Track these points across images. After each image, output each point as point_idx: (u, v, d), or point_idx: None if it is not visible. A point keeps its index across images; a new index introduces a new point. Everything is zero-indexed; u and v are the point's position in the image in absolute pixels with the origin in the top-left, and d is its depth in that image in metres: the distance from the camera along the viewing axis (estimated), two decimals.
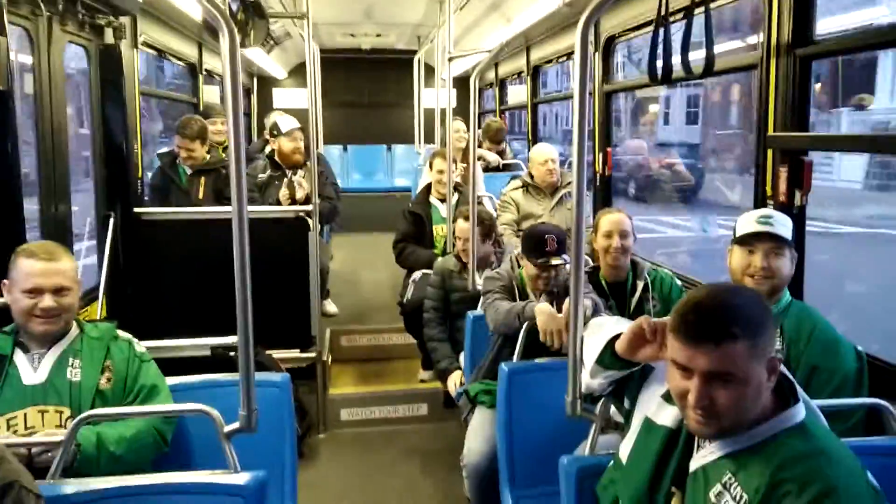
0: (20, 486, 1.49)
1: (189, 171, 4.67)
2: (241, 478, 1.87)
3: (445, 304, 3.87)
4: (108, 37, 3.80)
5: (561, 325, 2.67)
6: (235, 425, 1.88)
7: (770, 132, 2.71)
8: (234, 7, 3.69)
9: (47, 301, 2.13)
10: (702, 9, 2.19)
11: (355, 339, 5.18)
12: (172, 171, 4.66)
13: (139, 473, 1.93)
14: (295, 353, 4.07)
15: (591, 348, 1.85)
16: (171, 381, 2.37)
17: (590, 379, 1.86)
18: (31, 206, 3.15)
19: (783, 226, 2.32)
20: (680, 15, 2.39)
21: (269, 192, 4.75)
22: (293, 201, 4.54)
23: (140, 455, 2.16)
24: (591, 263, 3.26)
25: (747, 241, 2.32)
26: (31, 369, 2.16)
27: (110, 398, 2.20)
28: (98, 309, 3.60)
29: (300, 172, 4.75)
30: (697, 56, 2.15)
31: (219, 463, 1.93)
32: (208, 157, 4.75)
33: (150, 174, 4.79)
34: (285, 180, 4.68)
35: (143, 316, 3.68)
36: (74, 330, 2.26)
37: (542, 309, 2.74)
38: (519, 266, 3.17)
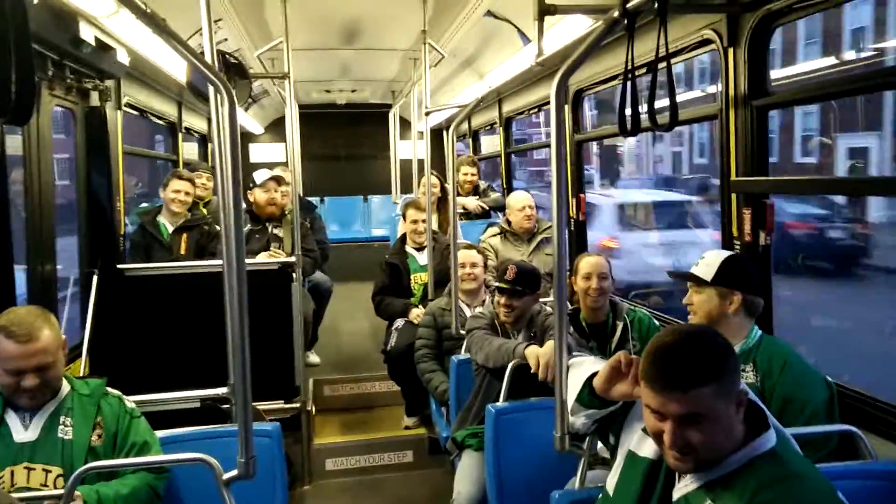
0: None
1: (171, 228, 4.73)
2: None
3: (438, 342, 3.95)
4: (94, 99, 3.90)
5: (550, 357, 2.74)
6: (234, 473, 1.92)
7: (733, 177, 2.88)
8: (218, 69, 3.82)
9: (29, 381, 2.13)
10: (664, 64, 2.36)
11: (338, 389, 5.19)
12: (154, 228, 4.70)
13: None
14: (279, 404, 4.07)
15: (571, 386, 1.94)
16: (164, 433, 2.40)
17: (572, 417, 1.95)
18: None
19: (708, 265, 2.50)
20: (645, 69, 2.57)
21: (249, 245, 4.81)
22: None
23: None
24: (571, 306, 3.36)
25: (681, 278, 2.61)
26: (23, 427, 2.18)
27: (102, 454, 2.21)
28: (81, 366, 3.60)
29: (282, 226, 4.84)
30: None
31: None
32: (189, 214, 4.82)
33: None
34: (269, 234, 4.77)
35: (127, 371, 3.67)
36: (65, 387, 2.28)
37: (531, 352, 2.82)
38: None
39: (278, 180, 4.93)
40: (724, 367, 1.49)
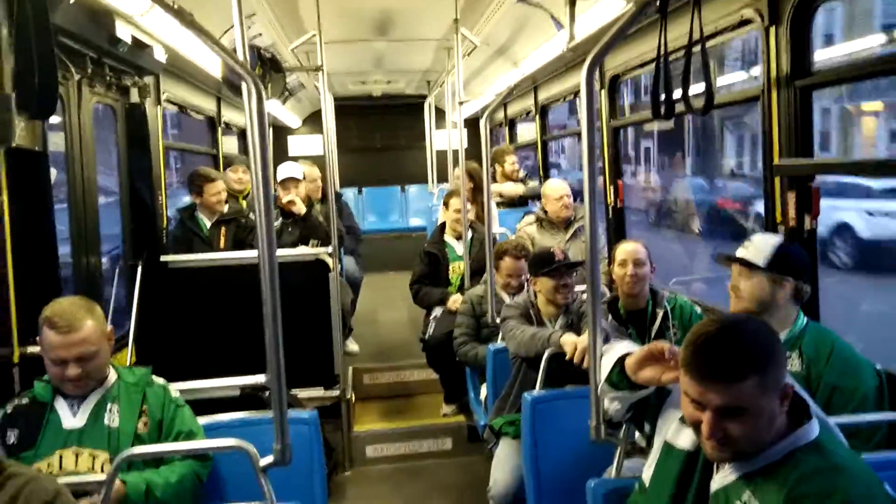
0: None
1: (209, 223, 4.82)
2: None
3: (477, 330, 3.95)
4: (134, 96, 3.97)
5: (585, 345, 2.73)
6: (270, 459, 1.96)
7: (776, 160, 2.79)
8: (253, 63, 3.86)
9: (72, 371, 2.18)
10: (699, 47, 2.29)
11: (377, 377, 5.25)
12: (193, 223, 4.80)
13: None
14: (319, 392, 4.13)
15: (603, 369, 1.91)
16: (204, 420, 2.45)
17: (605, 402, 1.92)
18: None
19: (758, 250, 2.38)
20: (681, 53, 2.50)
21: (282, 238, 4.85)
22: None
23: (182, 499, 2.23)
24: (608, 294, 3.32)
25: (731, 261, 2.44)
26: (71, 414, 2.25)
27: (148, 442, 2.27)
28: (128, 356, 3.70)
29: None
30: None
31: (250, 497, 2.02)
32: (226, 207, 4.90)
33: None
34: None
35: (171, 360, 3.77)
36: (112, 375, 2.34)
37: (566, 340, 2.81)
38: (535, 295, 3.25)
39: (295, 181, 4.89)
40: (769, 361, 1.44)
